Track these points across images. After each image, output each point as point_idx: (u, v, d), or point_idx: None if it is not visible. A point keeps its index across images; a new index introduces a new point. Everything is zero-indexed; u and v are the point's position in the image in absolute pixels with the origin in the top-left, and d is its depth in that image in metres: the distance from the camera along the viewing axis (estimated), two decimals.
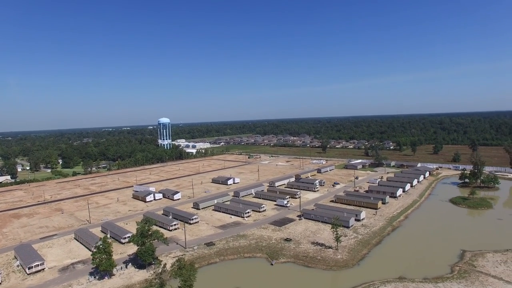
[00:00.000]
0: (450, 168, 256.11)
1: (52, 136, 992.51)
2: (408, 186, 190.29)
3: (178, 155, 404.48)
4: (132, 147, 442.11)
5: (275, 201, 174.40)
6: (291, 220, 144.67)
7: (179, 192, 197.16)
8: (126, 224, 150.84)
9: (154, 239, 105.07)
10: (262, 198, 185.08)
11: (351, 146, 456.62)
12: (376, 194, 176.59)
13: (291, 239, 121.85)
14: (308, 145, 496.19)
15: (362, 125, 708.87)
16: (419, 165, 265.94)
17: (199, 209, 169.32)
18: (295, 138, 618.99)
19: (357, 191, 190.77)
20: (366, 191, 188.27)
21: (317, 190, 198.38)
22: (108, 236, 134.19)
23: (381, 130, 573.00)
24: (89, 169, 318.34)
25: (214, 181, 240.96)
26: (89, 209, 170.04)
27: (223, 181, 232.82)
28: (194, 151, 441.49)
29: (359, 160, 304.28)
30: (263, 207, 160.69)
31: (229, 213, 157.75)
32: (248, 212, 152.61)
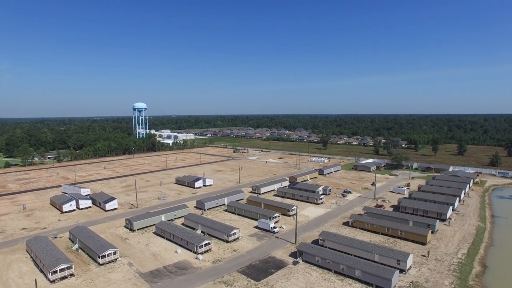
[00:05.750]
0: (494, 175, 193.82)
1: (29, 123, 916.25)
2: (456, 202, 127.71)
3: (151, 146, 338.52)
4: (98, 135, 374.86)
5: (257, 220, 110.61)
6: (279, 265, 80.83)
7: (115, 199, 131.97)
8: None
9: None
10: (238, 214, 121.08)
11: (355, 143, 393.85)
12: (413, 215, 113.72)
13: None
14: (305, 140, 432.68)
15: (365, 120, 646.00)
16: (451, 169, 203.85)
17: (133, 230, 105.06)
18: (290, 132, 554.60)
19: (381, 206, 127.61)
20: (395, 208, 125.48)
21: (321, 203, 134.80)
22: None
23: (387, 126, 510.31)
24: (30, 160, 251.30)
25: (178, 181, 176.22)
26: None
27: (189, 183, 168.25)
28: (170, 142, 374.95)
29: (371, 160, 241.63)
30: (235, 233, 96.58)
31: (175, 242, 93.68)
32: (206, 245, 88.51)
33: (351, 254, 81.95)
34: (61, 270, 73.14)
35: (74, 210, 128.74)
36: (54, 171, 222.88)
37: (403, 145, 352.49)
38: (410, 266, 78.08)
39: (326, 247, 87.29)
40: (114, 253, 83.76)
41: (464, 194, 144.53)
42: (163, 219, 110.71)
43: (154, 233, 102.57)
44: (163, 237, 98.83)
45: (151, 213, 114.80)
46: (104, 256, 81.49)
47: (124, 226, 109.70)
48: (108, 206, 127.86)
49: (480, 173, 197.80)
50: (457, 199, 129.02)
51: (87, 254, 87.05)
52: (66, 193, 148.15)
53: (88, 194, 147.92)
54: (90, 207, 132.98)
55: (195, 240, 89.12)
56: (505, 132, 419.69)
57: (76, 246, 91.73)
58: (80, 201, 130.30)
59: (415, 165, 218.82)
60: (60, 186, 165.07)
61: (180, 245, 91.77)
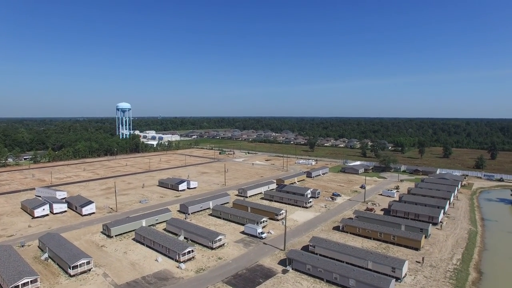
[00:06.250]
0: (480, 178, 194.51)
1: (6, 123, 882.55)
2: (447, 205, 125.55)
3: (134, 147, 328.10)
4: (79, 135, 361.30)
5: (243, 225, 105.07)
6: (268, 274, 75.51)
7: (92, 202, 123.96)
8: None
9: None
10: (223, 218, 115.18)
11: (342, 145, 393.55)
12: (405, 218, 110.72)
13: None
14: (292, 142, 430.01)
15: (351, 123, 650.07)
16: (438, 171, 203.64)
17: (110, 236, 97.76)
18: (277, 134, 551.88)
19: (372, 210, 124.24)
20: (386, 211, 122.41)
21: (310, 206, 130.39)
22: None
23: (373, 129, 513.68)
24: (3, 161, 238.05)
25: (162, 184, 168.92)
26: None
27: (173, 185, 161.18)
28: (154, 143, 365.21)
29: (358, 162, 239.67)
30: (220, 239, 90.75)
31: (156, 250, 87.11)
32: (189, 252, 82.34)
33: (344, 261, 77.60)
34: (24, 284, 65.59)
35: (47, 215, 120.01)
36: (29, 172, 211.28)
37: (389, 148, 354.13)
38: (406, 274, 74.18)
39: (317, 253, 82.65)
40: (88, 262, 76.63)
41: (454, 197, 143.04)
42: (143, 224, 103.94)
43: (134, 239, 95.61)
44: (143, 244, 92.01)
45: (130, 217, 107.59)
46: (76, 267, 74.27)
47: (101, 232, 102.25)
48: (85, 210, 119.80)
49: (467, 175, 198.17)
50: (448, 202, 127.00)
51: (58, 264, 79.50)
52: (40, 197, 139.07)
53: (64, 198, 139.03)
54: (65, 211, 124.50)
55: (177, 247, 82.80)
56: (487, 135, 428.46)
57: (46, 255, 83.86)
58: (55, 205, 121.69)
59: (403, 167, 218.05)
60: (34, 189, 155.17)
61: (161, 253, 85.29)
